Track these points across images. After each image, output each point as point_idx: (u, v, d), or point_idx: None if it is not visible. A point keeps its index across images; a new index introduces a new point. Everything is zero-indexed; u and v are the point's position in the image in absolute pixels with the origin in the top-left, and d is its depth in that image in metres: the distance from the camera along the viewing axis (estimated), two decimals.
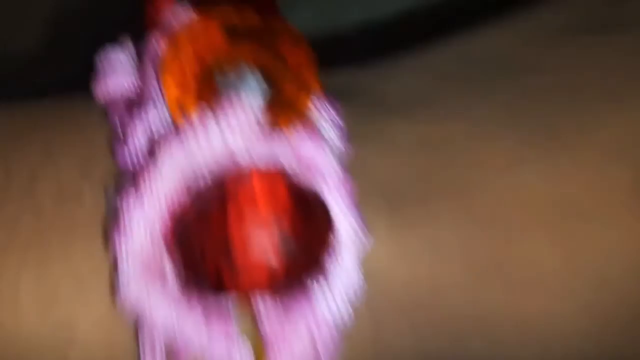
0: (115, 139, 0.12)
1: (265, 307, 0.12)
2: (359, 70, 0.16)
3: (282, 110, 0.12)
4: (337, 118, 0.13)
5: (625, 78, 0.16)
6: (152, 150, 0.12)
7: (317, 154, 0.12)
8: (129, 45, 0.14)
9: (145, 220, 0.12)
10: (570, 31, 0.17)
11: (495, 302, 0.14)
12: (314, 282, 0.12)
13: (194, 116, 0.12)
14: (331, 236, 0.12)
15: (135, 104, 0.13)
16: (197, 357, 0.12)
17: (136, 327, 0.12)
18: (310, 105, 0.12)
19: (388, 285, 0.13)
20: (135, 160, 0.12)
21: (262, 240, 0.11)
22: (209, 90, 0.12)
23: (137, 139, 0.12)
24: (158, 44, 0.12)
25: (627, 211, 0.15)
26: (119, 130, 0.12)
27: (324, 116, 0.13)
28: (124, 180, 0.12)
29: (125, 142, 0.12)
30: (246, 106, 0.12)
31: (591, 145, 0.15)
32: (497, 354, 0.15)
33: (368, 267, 0.13)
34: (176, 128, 0.12)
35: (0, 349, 0.13)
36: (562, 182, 0.15)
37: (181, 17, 0.13)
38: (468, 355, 0.15)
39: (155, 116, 0.12)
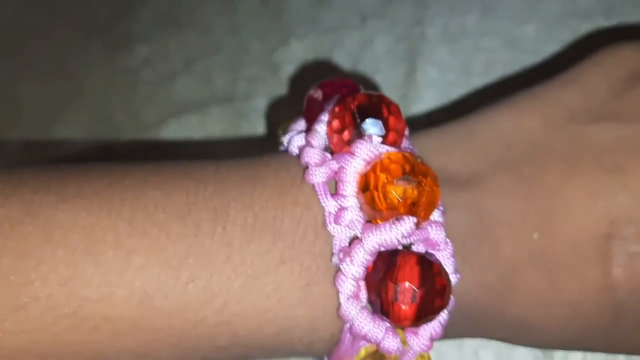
0: (329, 218, 0.20)
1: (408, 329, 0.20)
2: (432, 143, 0.22)
3: (423, 218, 0.19)
4: (441, 203, 0.20)
5: (604, 164, 0.20)
6: (353, 226, 0.19)
7: (438, 235, 0.20)
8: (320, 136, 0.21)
9: (353, 273, 0.19)
10: (579, 112, 0.21)
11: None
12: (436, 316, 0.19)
13: (383, 218, 0.19)
14: (448, 293, 0.19)
15: (332, 189, 0.20)
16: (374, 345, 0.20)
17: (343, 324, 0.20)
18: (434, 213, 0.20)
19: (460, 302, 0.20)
20: (344, 234, 0.19)
21: (404, 300, 0.18)
22: (392, 208, 0.19)
23: (343, 221, 0.19)
24: (350, 162, 0.20)
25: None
26: (331, 214, 0.20)
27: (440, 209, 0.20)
28: (337, 245, 0.19)
29: (337, 222, 0.19)
30: (409, 222, 0.19)
31: (571, 212, 0.20)
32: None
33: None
34: (368, 220, 0.19)
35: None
36: (552, 236, 0.20)
37: (367, 149, 0.20)
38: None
39: (353, 208, 0.19)
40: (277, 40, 0.32)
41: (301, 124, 0.22)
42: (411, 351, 0.20)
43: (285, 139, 0.22)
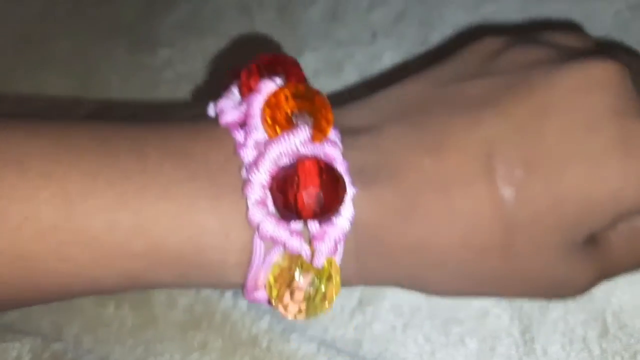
0: (238, 145, 0.22)
1: (313, 224, 0.22)
2: (338, 109, 0.24)
3: (319, 131, 0.22)
4: (338, 134, 0.23)
5: (479, 103, 0.24)
6: (258, 147, 0.22)
7: (334, 150, 0.22)
8: (235, 95, 0.23)
9: (260, 180, 0.21)
10: (456, 78, 0.25)
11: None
12: (334, 214, 0.21)
13: (283, 132, 0.22)
14: (343, 193, 0.21)
15: (243, 125, 0.22)
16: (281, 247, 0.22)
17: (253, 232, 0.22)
18: (329, 128, 0.22)
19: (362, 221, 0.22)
20: (251, 153, 0.22)
21: (305, 189, 0.21)
22: (289, 121, 0.22)
23: (250, 142, 0.22)
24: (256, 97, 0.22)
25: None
26: (239, 140, 0.22)
27: (333, 133, 0.23)
28: (247, 161, 0.22)
29: (245, 146, 0.22)
30: (305, 130, 0.21)
31: (455, 138, 0.23)
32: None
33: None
34: (271, 138, 0.22)
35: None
36: (441, 159, 0.23)
37: (271, 86, 0.22)
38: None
39: (258, 131, 0.22)
40: (291, 51, 0.34)
41: None
42: (318, 253, 0.22)
43: (206, 109, 0.24)
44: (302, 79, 0.23)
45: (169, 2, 0.37)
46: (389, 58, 0.34)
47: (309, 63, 0.34)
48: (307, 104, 0.22)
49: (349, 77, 0.34)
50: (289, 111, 0.21)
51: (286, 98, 0.22)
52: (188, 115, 0.34)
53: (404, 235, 0.23)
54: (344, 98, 0.29)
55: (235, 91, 0.24)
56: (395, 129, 0.23)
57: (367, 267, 0.23)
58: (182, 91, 0.34)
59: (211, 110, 0.24)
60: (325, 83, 0.34)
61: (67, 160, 0.21)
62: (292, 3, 0.36)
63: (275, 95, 0.22)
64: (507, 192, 0.22)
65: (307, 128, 0.22)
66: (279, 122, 0.21)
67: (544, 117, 0.23)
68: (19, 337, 0.28)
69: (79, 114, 0.34)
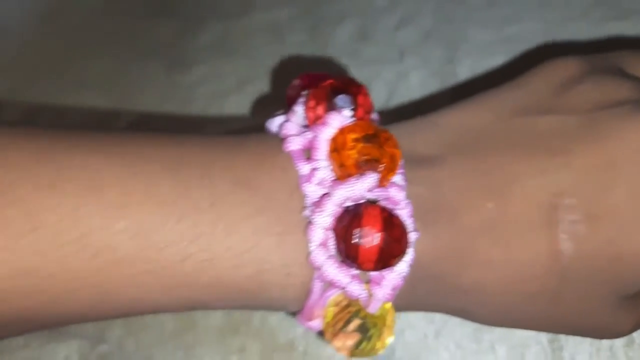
0: (302, 178, 0.22)
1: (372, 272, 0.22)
2: (402, 127, 0.24)
3: (385, 175, 0.22)
4: (403, 172, 0.22)
5: (548, 147, 0.23)
6: (323, 184, 0.22)
7: (399, 194, 0.22)
8: (298, 115, 0.23)
9: (323, 223, 0.22)
10: (525, 108, 0.24)
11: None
12: (396, 263, 0.21)
13: (350, 176, 0.22)
14: (406, 245, 0.21)
15: (307, 156, 0.23)
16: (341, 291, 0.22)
17: (313, 273, 0.22)
18: (396, 171, 0.22)
19: (421, 261, 0.22)
20: (315, 190, 0.22)
21: (367, 242, 0.21)
22: (356, 166, 0.21)
23: (314, 180, 0.22)
24: (323, 131, 0.22)
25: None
26: (304, 176, 0.22)
27: (399, 172, 0.22)
28: (309, 201, 0.22)
29: (309, 181, 0.22)
30: (372, 177, 0.21)
31: (520, 185, 0.23)
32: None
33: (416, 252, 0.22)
34: (338, 178, 0.22)
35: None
36: (504, 205, 0.23)
37: (338, 119, 0.22)
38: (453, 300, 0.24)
39: (324, 168, 0.22)
40: (321, 70, 0.35)
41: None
42: (375, 300, 0.22)
43: (267, 123, 0.24)
44: (370, 109, 0.23)
45: (202, 23, 0.38)
46: (415, 76, 0.35)
47: None
48: (375, 148, 0.22)
49: (377, 94, 0.35)
50: (356, 157, 0.21)
51: (354, 140, 0.22)
52: (221, 130, 0.36)
53: (459, 276, 0.23)
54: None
55: (299, 111, 0.23)
56: (458, 166, 0.23)
57: (416, 300, 0.24)
58: (215, 108, 0.36)
59: (273, 126, 0.24)
60: None
61: (142, 190, 0.21)
62: (322, 23, 0.37)
63: (342, 133, 0.22)
64: (567, 247, 0.22)
65: (374, 175, 0.21)
66: (346, 165, 0.22)
67: (614, 170, 0.22)
68: (66, 339, 0.29)
69: (117, 126, 0.36)
